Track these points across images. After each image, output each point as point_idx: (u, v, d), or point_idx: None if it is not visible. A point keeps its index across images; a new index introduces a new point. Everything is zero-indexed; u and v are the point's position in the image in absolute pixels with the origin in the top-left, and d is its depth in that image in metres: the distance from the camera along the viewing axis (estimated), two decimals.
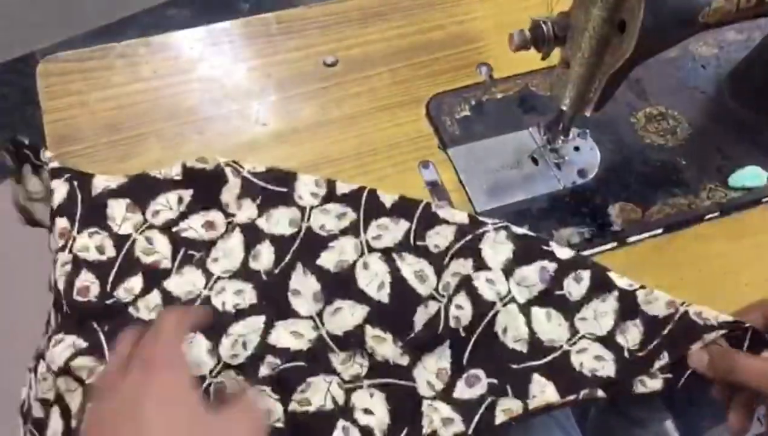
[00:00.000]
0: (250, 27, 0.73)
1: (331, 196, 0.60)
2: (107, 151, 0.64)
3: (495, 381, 0.53)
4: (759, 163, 0.66)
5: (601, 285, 0.55)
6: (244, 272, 0.57)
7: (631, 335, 0.54)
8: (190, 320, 0.49)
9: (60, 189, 0.58)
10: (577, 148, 0.67)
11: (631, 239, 0.61)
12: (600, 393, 0.52)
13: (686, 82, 0.72)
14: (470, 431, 0.51)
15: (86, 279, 0.55)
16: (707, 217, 0.63)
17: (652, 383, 0.52)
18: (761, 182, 0.65)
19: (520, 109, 0.69)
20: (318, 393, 0.52)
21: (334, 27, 0.73)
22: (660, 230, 0.62)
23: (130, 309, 0.54)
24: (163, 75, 0.69)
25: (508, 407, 0.52)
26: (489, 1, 0.77)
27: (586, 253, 0.60)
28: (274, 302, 0.56)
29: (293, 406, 0.51)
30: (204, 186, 0.59)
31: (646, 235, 0.62)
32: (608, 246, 0.61)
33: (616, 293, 0.55)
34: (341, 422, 0.51)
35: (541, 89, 0.70)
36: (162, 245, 0.57)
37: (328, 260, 0.57)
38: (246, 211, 0.59)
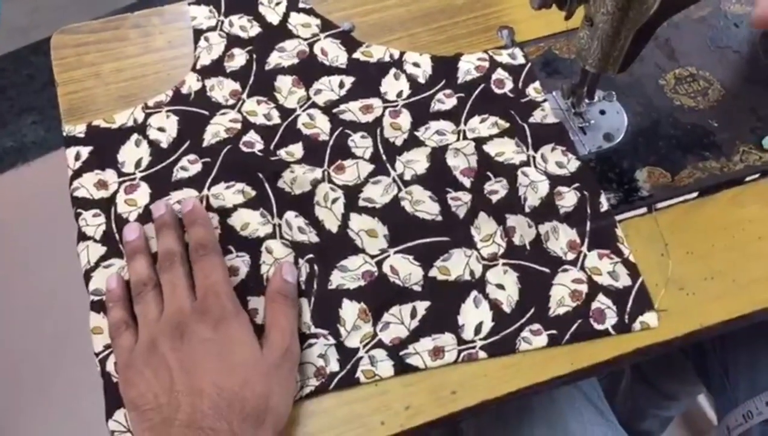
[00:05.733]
0: None
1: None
2: None
3: None
4: None
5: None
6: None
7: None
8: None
9: (238, 58, 0.66)
10: (602, 112, 0.64)
11: (661, 204, 0.59)
12: None
13: (718, 42, 0.69)
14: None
15: (252, 138, 0.62)
16: (746, 180, 0.61)
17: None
18: None
19: (543, 72, 0.66)
20: (458, 265, 0.56)
21: None
22: (691, 196, 0.60)
23: (291, 166, 0.60)
24: (178, 45, 0.67)
25: None
26: None
27: None
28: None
29: (434, 272, 0.56)
30: (366, 75, 0.66)
31: (676, 200, 0.60)
32: (637, 212, 0.59)
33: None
34: (474, 293, 0.55)
35: (565, 52, 0.67)
36: (322, 121, 0.63)
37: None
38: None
